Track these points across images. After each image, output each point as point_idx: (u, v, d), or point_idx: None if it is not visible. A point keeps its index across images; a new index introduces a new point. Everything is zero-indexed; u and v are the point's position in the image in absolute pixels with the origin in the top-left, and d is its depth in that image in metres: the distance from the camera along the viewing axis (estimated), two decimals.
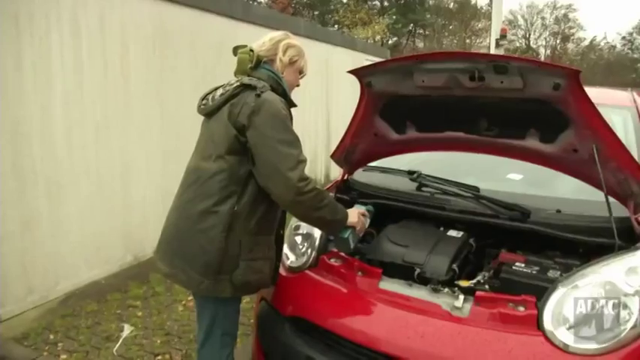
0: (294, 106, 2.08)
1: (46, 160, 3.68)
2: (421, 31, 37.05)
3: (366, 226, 2.17)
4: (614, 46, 39.43)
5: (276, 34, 2.11)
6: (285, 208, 1.98)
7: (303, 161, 1.85)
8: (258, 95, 1.88)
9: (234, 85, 1.96)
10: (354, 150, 2.48)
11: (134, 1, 4.41)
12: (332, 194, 2.47)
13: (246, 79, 1.96)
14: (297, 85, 2.20)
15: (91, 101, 4.01)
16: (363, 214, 2.13)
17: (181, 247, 1.95)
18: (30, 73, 3.53)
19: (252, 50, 2.05)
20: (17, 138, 3.47)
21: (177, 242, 1.96)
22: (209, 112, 2.01)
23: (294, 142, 1.87)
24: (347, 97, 8.83)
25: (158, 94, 4.66)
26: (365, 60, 9.92)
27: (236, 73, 2.06)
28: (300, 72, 2.16)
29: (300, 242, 2.36)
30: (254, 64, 2.03)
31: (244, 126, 1.86)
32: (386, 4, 35.31)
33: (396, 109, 2.29)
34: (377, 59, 10.37)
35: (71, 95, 3.86)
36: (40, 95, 3.62)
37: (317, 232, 2.34)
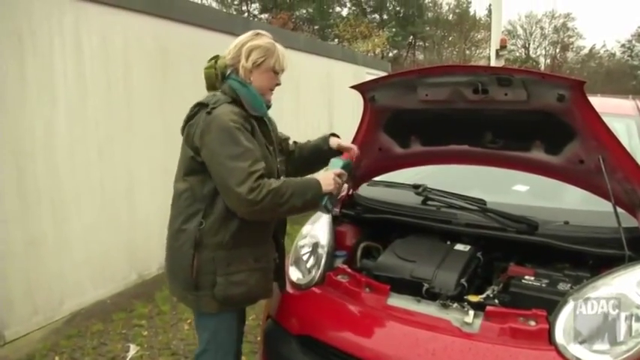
0: (268, 108, 2.05)
1: (49, 178, 3.69)
2: (421, 43, 37.28)
3: (343, 182, 2.07)
4: (613, 54, 39.60)
5: (241, 38, 2.01)
6: (248, 219, 1.88)
7: (255, 172, 1.78)
8: (209, 113, 1.85)
9: (193, 105, 1.95)
10: (359, 165, 2.47)
11: (136, 19, 4.45)
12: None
13: (204, 97, 1.95)
14: (278, 84, 2.07)
15: (94, 119, 4.03)
16: (339, 175, 2.01)
17: (168, 264, 2.04)
18: (33, 91, 3.56)
19: (217, 62, 2.01)
20: (21, 156, 3.49)
21: (167, 260, 2.05)
22: (182, 133, 2.02)
23: (244, 154, 1.80)
24: (349, 110, 8.86)
25: (161, 111, 4.67)
26: (366, 73, 9.97)
27: (208, 90, 2.03)
28: (275, 71, 2.01)
29: (306, 259, 2.34)
30: (220, 76, 2.00)
31: (198, 147, 1.86)
32: (385, 17, 35.60)
33: (400, 123, 2.28)
34: (378, 72, 10.43)
35: (74, 113, 3.88)
36: (44, 113, 3.64)
37: (323, 248, 2.32)
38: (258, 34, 2.01)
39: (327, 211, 2.04)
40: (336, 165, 2.11)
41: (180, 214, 1.94)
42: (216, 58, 2.02)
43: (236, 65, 1.97)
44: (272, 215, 1.91)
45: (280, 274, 2.19)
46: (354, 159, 2.18)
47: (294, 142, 2.35)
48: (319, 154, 2.24)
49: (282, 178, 1.99)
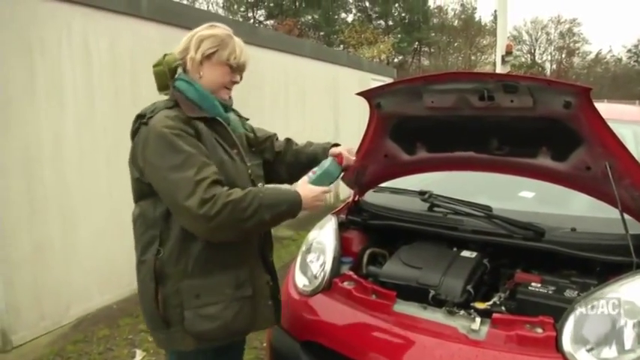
0: (228, 108, 1.81)
1: (58, 185, 3.72)
2: (426, 49, 37.31)
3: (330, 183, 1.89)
4: (620, 59, 39.49)
5: (194, 30, 1.76)
6: (209, 240, 1.60)
7: (204, 179, 1.51)
8: (146, 124, 1.61)
9: (134, 118, 1.69)
10: (365, 171, 2.48)
11: (143, 27, 4.48)
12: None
13: (143, 109, 1.70)
14: (236, 82, 1.79)
15: (102, 126, 4.06)
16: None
17: (139, 300, 1.77)
18: (42, 99, 3.59)
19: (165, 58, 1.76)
20: (30, 163, 3.52)
21: (138, 295, 1.78)
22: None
23: (186, 161, 1.52)
24: (355, 116, 8.87)
25: None
26: (371, 79, 9.98)
27: (160, 91, 1.79)
28: (230, 66, 1.73)
29: (312, 265, 2.35)
30: (170, 74, 1.73)
31: (142, 167, 1.63)
32: (391, 23, 35.69)
33: (406, 130, 2.29)
34: (383, 78, 10.44)
35: (83, 120, 3.91)
36: (53, 121, 3.67)
37: (329, 255, 2.32)
38: (212, 25, 1.76)
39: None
40: (328, 171, 1.90)
41: (138, 243, 1.71)
42: (166, 55, 1.77)
43: (185, 59, 1.72)
44: (236, 233, 1.59)
45: (280, 302, 1.92)
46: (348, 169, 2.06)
47: (288, 140, 2.13)
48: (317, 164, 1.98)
49: (259, 185, 1.79)
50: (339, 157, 1.97)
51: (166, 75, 1.73)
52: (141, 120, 1.64)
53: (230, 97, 1.83)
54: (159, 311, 1.65)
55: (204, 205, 1.48)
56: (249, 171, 1.79)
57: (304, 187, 1.78)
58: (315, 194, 1.75)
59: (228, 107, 1.82)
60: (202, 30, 1.73)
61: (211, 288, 1.64)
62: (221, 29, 1.75)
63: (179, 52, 1.73)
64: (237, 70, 1.77)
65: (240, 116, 1.97)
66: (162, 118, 1.59)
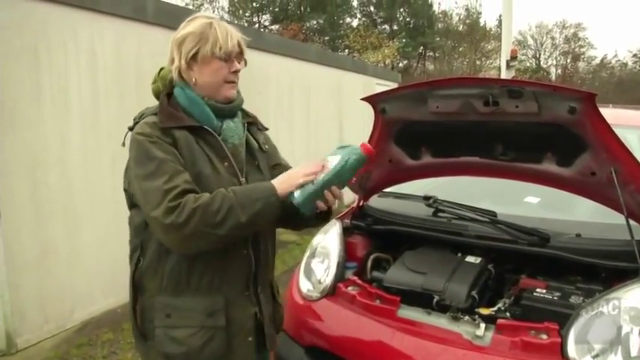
0: (233, 110, 1.62)
1: (62, 190, 3.73)
2: (431, 53, 37.31)
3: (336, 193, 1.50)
4: (625, 64, 39.32)
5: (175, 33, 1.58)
6: (185, 252, 1.48)
7: (172, 188, 1.38)
8: (132, 130, 1.55)
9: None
10: (369, 176, 2.48)
11: (149, 31, 4.51)
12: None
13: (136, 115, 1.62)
14: (236, 71, 1.57)
15: (107, 131, 4.08)
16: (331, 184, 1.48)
17: None
18: (48, 103, 3.61)
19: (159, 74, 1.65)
20: (35, 167, 3.53)
21: None
22: None
23: (158, 169, 1.42)
24: (359, 121, 8.88)
25: None
26: (376, 84, 9.99)
27: None
28: (219, 58, 1.52)
29: (316, 270, 2.35)
30: (169, 88, 1.60)
31: (129, 177, 1.54)
32: (395, 28, 35.71)
33: (411, 135, 2.29)
34: (388, 83, 10.45)
35: (88, 125, 3.93)
36: (58, 125, 3.70)
37: (333, 259, 2.32)
38: (189, 21, 1.57)
39: (303, 210, 1.50)
40: (349, 166, 1.48)
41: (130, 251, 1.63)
42: (161, 69, 1.65)
43: (175, 69, 1.56)
44: (211, 241, 1.43)
45: (266, 338, 1.65)
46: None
47: None
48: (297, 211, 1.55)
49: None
50: (363, 146, 1.52)
51: (162, 92, 1.60)
52: (129, 127, 1.58)
53: (238, 96, 1.64)
54: (136, 322, 1.59)
55: (171, 213, 1.36)
56: None
57: (282, 175, 1.53)
58: (289, 175, 1.51)
59: (227, 111, 1.60)
60: (179, 31, 1.56)
61: (182, 309, 1.51)
62: (198, 21, 1.54)
63: (168, 64, 1.59)
64: (230, 58, 1.54)
65: (253, 123, 1.74)
66: (142, 125, 1.51)
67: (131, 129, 1.55)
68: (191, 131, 1.52)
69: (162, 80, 1.61)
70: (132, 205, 1.57)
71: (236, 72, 1.57)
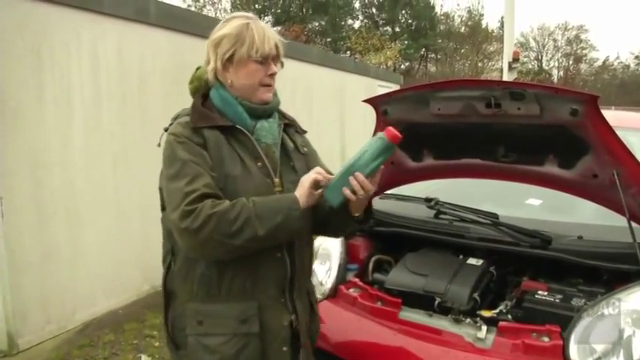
0: (269, 111, 1.57)
1: (65, 191, 3.74)
2: (433, 55, 37.32)
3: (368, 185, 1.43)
4: (627, 66, 39.29)
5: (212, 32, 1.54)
6: (199, 257, 1.45)
7: (192, 191, 1.35)
8: (167, 130, 1.52)
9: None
10: None
11: (152, 33, 4.52)
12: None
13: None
14: (272, 74, 1.53)
15: (109, 132, 4.09)
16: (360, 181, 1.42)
17: None
18: (51, 105, 3.62)
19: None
20: (37, 169, 3.54)
21: None
22: None
23: (181, 170, 1.39)
24: (361, 122, 8.88)
25: None
26: (378, 86, 9.99)
27: None
28: (256, 60, 1.48)
29: (317, 272, 2.34)
30: (204, 88, 1.57)
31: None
32: (397, 29, 35.71)
33: (412, 137, 2.27)
34: (390, 85, 10.45)
35: (91, 126, 3.93)
36: (61, 126, 3.70)
37: (335, 261, 2.32)
38: (227, 20, 1.54)
39: (329, 199, 1.46)
40: (372, 151, 1.44)
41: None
42: (198, 68, 1.63)
43: (211, 71, 1.54)
44: (225, 251, 1.38)
45: (300, 348, 1.57)
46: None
47: None
48: (331, 213, 1.55)
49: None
50: (388, 131, 1.44)
51: (200, 91, 1.57)
52: (165, 127, 1.55)
53: (275, 97, 1.60)
54: (168, 331, 1.57)
55: (187, 217, 1.33)
56: (278, 188, 1.52)
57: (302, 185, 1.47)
58: (302, 182, 1.46)
59: (261, 111, 1.55)
60: (216, 32, 1.53)
61: (214, 316, 1.46)
62: (235, 21, 1.51)
63: (204, 64, 1.56)
64: (266, 60, 1.50)
65: (290, 125, 1.68)
66: (175, 125, 1.50)
67: (167, 129, 1.53)
68: (223, 131, 1.49)
69: (198, 80, 1.59)
70: (164, 205, 1.51)
71: (272, 75, 1.53)
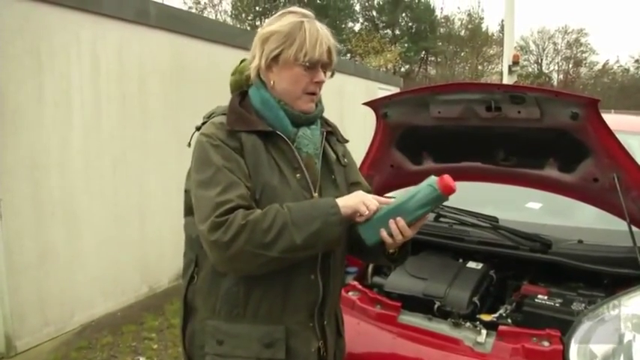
0: (310, 121, 1.44)
1: (64, 193, 3.73)
2: (433, 58, 37.37)
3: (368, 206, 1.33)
4: (627, 69, 39.30)
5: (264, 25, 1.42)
6: (230, 272, 1.33)
7: (224, 202, 1.23)
8: (199, 129, 1.40)
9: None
10: (371, 181, 2.47)
11: (152, 35, 4.52)
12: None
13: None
14: (318, 82, 1.39)
15: (109, 134, 4.08)
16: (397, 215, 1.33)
17: None
18: (50, 106, 3.62)
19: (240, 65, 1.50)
20: (36, 170, 3.53)
21: None
22: None
23: (213, 177, 1.27)
24: (360, 125, 8.88)
25: (175, 127, 4.72)
26: (378, 89, 10.00)
27: None
28: (302, 65, 1.34)
29: None
30: (245, 84, 1.45)
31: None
32: (398, 32, 35.76)
33: (412, 140, 2.28)
34: (390, 87, 10.46)
35: (90, 128, 3.93)
36: (60, 128, 3.70)
37: None
38: (281, 15, 1.40)
39: (364, 235, 1.37)
40: (420, 197, 1.33)
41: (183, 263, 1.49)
42: (242, 60, 1.51)
43: (254, 68, 1.41)
44: (261, 264, 1.25)
45: None
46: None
47: None
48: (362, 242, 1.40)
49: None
50: (441, 180, 1.32)
51: (242, 85, 1.46)
52: (197, 126, 1.42)
53: (318, 105, 1.48)
54: (184, 345, 1.47)
55: (217, 230, 1.21)
56: None
57: (348, 195, 1.37)
58: (357, 195, 1.35)
59: (304, 119, 1.43)
60: (267, 26, 1.39)
61: (236, 337, 1.34)
62: (289, 18, 1.37)
63: (249, 59, 1.43)
64: (315, 67, 1.36)
65: (332, 133, 1.58)
66: (208, 125, 1.37)
67: (198, 128, 1.40)
68: (262, 136, 1.35)
69: (240, 74, 1.46)
70: (188, 210, 1.40)
71: (319, 83, 1.40)
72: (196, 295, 1.41)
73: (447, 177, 1.32)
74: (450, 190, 1.32)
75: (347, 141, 1.65)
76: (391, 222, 1.33)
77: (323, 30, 1.38)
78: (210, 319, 1.38)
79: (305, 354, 1.38)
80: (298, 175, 1.38)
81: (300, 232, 1.23)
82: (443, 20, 36.91)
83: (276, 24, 1.37)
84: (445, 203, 2.38)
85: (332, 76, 1.45)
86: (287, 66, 1.35)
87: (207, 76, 5.01)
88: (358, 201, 1.31)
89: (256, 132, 1.35)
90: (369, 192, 1.47)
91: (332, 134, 1.56)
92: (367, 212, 1.31)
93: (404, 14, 35.44)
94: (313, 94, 1.41)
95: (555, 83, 36.87)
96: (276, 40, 1.34)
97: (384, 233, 1.34)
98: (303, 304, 1.39)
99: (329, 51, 1.38)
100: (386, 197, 1.42)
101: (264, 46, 1.37)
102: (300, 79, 1.36)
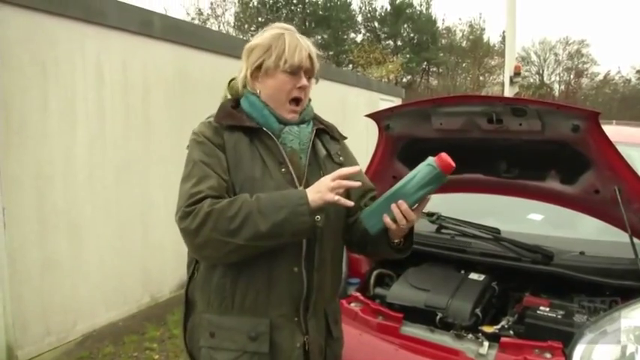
0: (284, 121, 1.47)
1: (67, 202, 3.74)
2: (435, 69, 37.48)
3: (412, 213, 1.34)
4: (628, 80, 39.34)
5: None
6: (203, 260, 1.42)
7: (195, 193, 1.30)
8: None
9: None
10: (374, 195, 2.48)
11: (156, 46, 4.55)
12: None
13: None
14: (302, 87, 1.46)
15: (112, 144, 4.10)
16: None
17: None
18: (55, 116, 3.64)
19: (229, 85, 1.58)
20: (40, 180, 3.55)
21: None
22: None
23: (191, 171, 1.37)
24: (362, 136, 8.90)
25: (178, 138, 4.74)
26: (380, 99, 10.03)
27: None
28: (284, 71, 1.42)
29: None
30: (236, 96, 1.53)
31: None
32: (399, 43, 35.90)
33: (414, 151, 2.29)
34: (392, 98, 10.49)
35: (94, 138, 3.95)
36: (64, 138, 3.72)
37: None
38: (266, 29, 1.50)
39: (366, 223, 1.39)
40: (420, 178, 1.34)
41: None
42: (231, 80, 1.58)
43: (242, 79, 1.51)
44: (228, 252, 1.30)
45: None
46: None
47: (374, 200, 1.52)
48: (366, 234, 1.44)
49: (317, 217, 1.31)
50: (440, 158, 1.35)
51: (231, 102, 1.52)
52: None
53: (306, 108, 1.53)
54: (184, 339, 1.52)
55: (186, 218, 1.28)
56: None
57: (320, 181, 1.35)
58: (320, 182, 1.33)
59: (288, 122, 1.48)
60: (253, 40, 1.50)
61: (225, 329, 1.40)
62: (270, 31, 1.47)
63: (238, 73, 1.52)
64: (297, 72, 1.44)
65: (325, 131, 1.60)
66: (200, 124, 1.47)
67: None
68: (248, 133, 1.43)
69: (230, 90, 1.54)
70: None
71: (302, 88, 1.46)
72: (195, 291, 1.48)
73: (444, 155, 1.33)
74: (450, 167, 1.32)
75: (345, 138, 1.68)
76: (393, 206, 1.33)
77: (303, 40, 1.47)
78: (205, 312, 1.44)
79: (289, 348, 1.40)
80: (283, 169, 1.42)
81: (265, 221, 1.27)
82: (444, 31, 37.06)
83: (259, 38, 1.48)
84: (447, 214, 2.42)
85: (317, 82, 1.52)
86: (270, 73, 1.44)
87: (210, 87, 5.04)
88: (324, 190, 1.30)
89: (243, 129, 1.43)
90: (371, 190, 1.60)
91: (324, 132, 1.60)
92: (338, 195, 1.30)
93: (406, 25, 35.57)
94: (298, 99, 1.47)
95: (557, 94, 36.90)
96: (258, 51, 1.45)
97: (387, 219, 1.34)
98: (287, 297, 1.41)
99: (309, 57, 1.46)
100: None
101: (248, 58, 1.47)
102: (283, 86, 1.44)
